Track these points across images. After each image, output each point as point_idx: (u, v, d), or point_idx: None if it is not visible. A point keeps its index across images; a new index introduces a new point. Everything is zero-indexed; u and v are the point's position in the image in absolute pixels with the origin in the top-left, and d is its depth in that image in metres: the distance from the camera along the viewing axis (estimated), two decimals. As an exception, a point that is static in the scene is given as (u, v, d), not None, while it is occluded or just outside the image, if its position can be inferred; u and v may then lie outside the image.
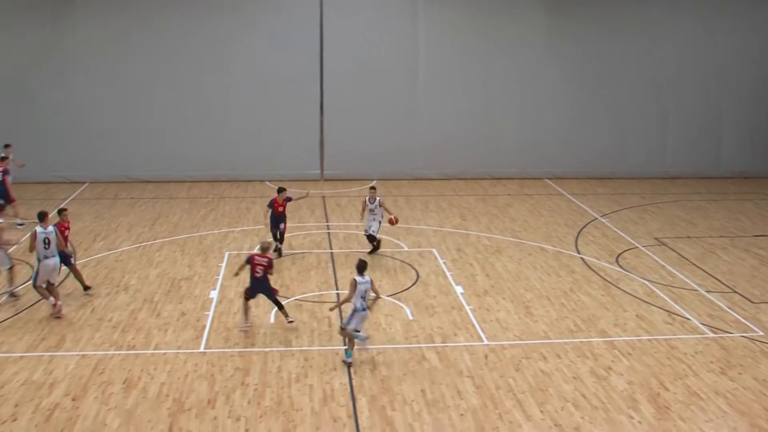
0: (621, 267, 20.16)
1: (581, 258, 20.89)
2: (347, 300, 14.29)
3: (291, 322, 15.82)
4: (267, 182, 29.10)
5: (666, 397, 13.27)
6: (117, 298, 17.52)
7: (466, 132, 30.06)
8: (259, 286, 15.65)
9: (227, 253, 20.59)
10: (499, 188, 29.20)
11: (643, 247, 21.96)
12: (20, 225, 21.98)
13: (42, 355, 14.51)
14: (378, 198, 20.43)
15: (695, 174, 31.17)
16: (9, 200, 22.15)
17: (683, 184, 30.29)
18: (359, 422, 12.34)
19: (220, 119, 29.13)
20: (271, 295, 15.81)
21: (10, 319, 16.13)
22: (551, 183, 30.00)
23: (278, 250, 20.17)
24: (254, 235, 22.18)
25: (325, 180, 29.08)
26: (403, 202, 26.77)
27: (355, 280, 14.17)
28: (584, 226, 24.02)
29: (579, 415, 12.64)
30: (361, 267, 14.35)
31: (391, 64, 29.45)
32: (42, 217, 16.50)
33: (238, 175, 29.49)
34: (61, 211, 17.78)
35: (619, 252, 21.42)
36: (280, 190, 20.32)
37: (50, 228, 16.36)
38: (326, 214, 24.98)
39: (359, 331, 14.34)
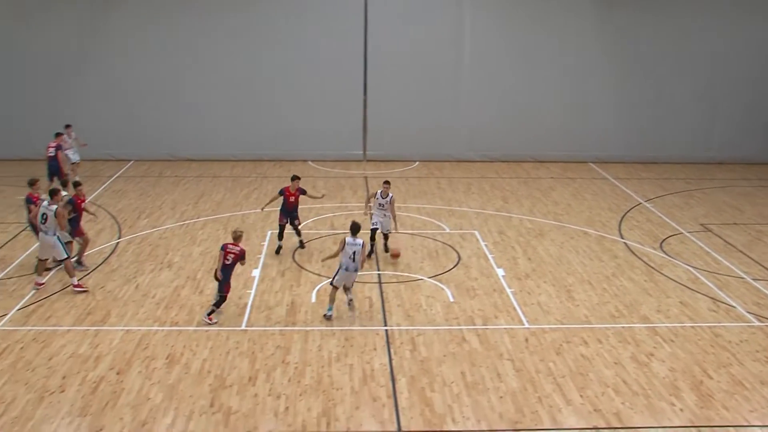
0: (665, 253, 19.91)
1: (624, 243, 20.67)
2: (334, 256, 15.29)
3: (210, 322, 15.21)
4: (310, 162, 29.22)
5: (709, 386, 13.12)
6: (161, 275, 17.77)
7: (509, 115, 29.83)
8: (224, 274, 15.23)
9: (269, 232, 20.72)
10: (542, 171, 28.97)
11: (688, 233, 21.65)
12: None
13: (88, 329, 14.80)
14: (390, 194, 18.88)
15: (743, 159, 30.58)
16: (61, 175, 22.44)
17: (730, 169, 29.75)
18: (398, 402, 12.40)
19: (264, 99, 29.25)
20: (225, 287, 15.31)
21: (58, 293, 16.46)
22: (595, 167, 29.67)
23: (300, 243, 19.46)
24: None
25: (368, 161, 29.09)
26: (446, 183, 26.70)
27: (345, 239, 15.05)
28: (628, 211, 23.75)
29: (619, 401, 12.56)
30: (354, 228, 15.20)
31: (435, 46, 29.26)
32: (52, 194, 16.74)
33: (281, 155, 29.63)
34: (76, 185, 18.19)
35: (664, 237, 21.15)
36: (294, 178, 19.17)
37: (53, 207, 16.46)
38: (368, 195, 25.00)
39: (350, 289, 15.48)
